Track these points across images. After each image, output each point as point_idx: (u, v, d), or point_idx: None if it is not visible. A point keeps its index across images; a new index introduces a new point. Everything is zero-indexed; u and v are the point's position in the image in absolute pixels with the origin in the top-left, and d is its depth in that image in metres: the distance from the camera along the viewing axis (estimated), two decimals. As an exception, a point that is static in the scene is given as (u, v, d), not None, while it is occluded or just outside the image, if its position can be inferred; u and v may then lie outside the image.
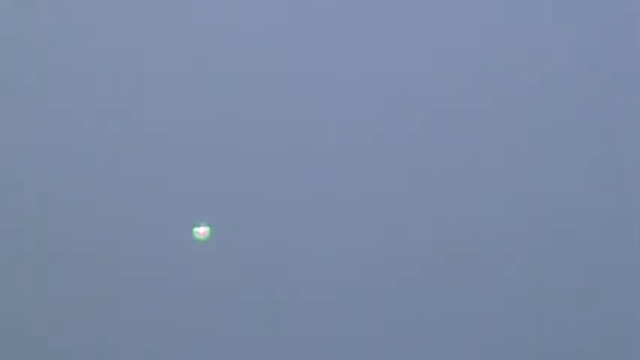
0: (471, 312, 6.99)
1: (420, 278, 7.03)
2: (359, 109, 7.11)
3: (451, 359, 6.98)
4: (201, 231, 6.87)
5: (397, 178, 7.07)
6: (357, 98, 7.12)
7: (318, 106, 7.13)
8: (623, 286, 6.96)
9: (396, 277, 7.04)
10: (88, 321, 7.03)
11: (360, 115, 7.11)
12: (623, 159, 7.04)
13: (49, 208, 7.08)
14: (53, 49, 7.14)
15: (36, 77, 7.15)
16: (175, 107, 7.13)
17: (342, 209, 7.07)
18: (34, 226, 7.08)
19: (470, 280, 7.01)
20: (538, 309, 6.99)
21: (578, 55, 7.09)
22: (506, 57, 7.12)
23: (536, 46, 7.10)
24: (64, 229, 7.07)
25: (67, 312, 7.03)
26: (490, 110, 7.10)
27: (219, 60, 7.13)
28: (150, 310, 7.02)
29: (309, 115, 7.13)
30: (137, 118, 7.13)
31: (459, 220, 7.04)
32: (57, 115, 7.13)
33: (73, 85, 7.15)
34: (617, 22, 7.08)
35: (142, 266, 7.03)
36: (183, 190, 7.04)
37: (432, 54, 7.13)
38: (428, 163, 7.08)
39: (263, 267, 7.04)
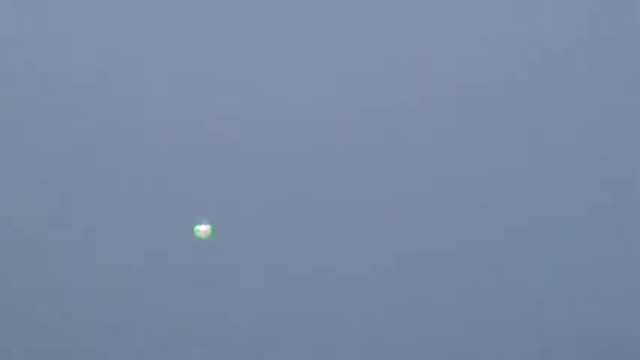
0: (471, 311, 7.01)
1: (419, 278, 7.04)
2: (359, 108, 7.12)
3: (448, 357, 7.00)
4: (203, 229, 6.89)
5: (396, 177, 7.08)
6: (357, 98, 7.13)
7: (320, 105, 7.13)
8: (624, 287, 6.98)
9: (398, 276, 7.05)
10: (89, 320, 7.04)
11: (360, 115, 7.11)
12: (625, 158, 7.05)
13: (50, 206, 7.09)
14: (55, 49, 7.14)
15: (36, 77, 7.15)
16: (176, 107, 7.14)
17: (341, 206, 7.08)
18: (35, 225, 7.09)
19: (470, 280, 7.02)
20: (538, 308, 7.00)
21: (579, 55, 7.09)
22: (507, 57, 7.13)
23: (536, 44, 7.11)
24: (66, 227, 7.08)
25: (69, 310, 7.04)
26: (490, 111, 7.11)
27: (223, 61, 7.14)
28: (150, 308, 7.03)
29: (310, 114, 7.13)
30: (140, 118, 7.14)
31: (460, 220, 7.05)
32: (59, 114, 7.14)
33: (74, 84, 7.16)
34: (618, 22, 7.08)
35: (143, 264, 7.04)
36: (185, 188, 7.05)
37: (432, 52, 7.14)
38: (429, 162, 7.08)
39: (264, 264, 7.05)
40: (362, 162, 7.09)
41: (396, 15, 7.14)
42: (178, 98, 7.15)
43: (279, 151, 7.11)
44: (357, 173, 7.09)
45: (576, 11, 7.11)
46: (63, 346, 7.01)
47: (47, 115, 7.16)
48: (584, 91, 7.09)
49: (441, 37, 7.12)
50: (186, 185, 7.06)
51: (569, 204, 7.03)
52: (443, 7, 7.12)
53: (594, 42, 7.09)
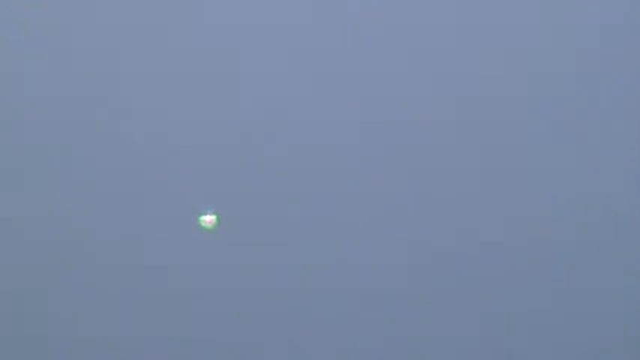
0: (470, 313, 7.02)
1: (416, 277, 7.06)
2: (358, 108, 7.14)
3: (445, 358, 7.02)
4: (208, 219, 6.90)
5: (396, 177, 7.09)
6: (356, 97, 7.15)
7: (320, 103, 7.15)
8: (623, 287, 6.99)
9: (398, 277, 7.06)
10: (95, 314, 7.07)
11: (358, 115, 7.13)
12: (624, 158, 7.06)
13: (53, 203, 7.10)
14: (55, 49, 7.16)
15: (37, 77, 7.17)
16: (179, 104, 7.16)
17: (340, 203, 7.10)
18: (39, 224, 7.11)
19: (467, 281, 7.04)
20: (536, 310, 7.02)
21: (577, 56, 7.10)
22: (505, 57, 7.14)
23: (535, 45, 7.12)
24: (69, 224, 7.10)
25: (71, 308, 7.06)
26: (490, 111, 7.13)
27: (224, 59, 7.16)
28: (154, 301, 7.06)
29: (312, 112, 7.15)
30: (141, 114, 7.16)
31: (458, 219, 7.07)
32: (59, 112, 7.16)
33: (76, 83, 7.18)
34: (617, 22, 7.09)
35: (146, 257, 7.06)
36: (189, 183, 7.07)
37: (431, 53, 7.15)
38: (429, 162, 7.10)
39: (266, 259, 7.07)
40: (366, 163, 7.10)
41: (393, 18, 7.16)
42: (180, 96, 7.17)
43: (282, 147, 7.12)
44: (362, 173, 7.11)
45: (576, 13, 7.12)
46: (63, 345, 7.04)
47: (48, 113, 7.19)
48: (592, 94, 7.10)
49: (441, 39, 7.14)
50: (185, 185, 7.08)
51: (574, 208, 7.05)
52: (445, 8, 7.14)
53: (594, 42, 7.10)
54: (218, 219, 6.91)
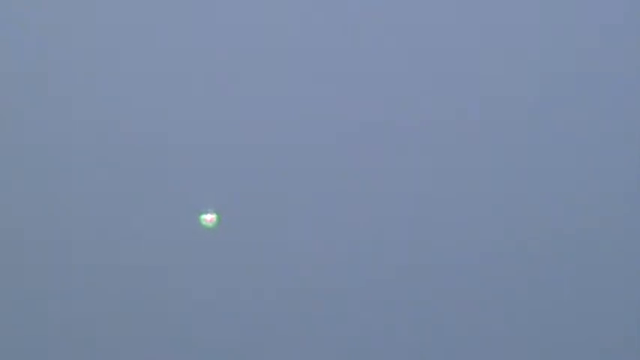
0: (470, 313, 7.02)
1: (416, 277, 7.06)
2: (358, 108, 7.13)
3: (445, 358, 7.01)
4: (208, 218, 6.90)
5: (397, 177, 7.09)
6: (356, 97, 7.14)
7: (321, 103, 7.14)
8: (623, 287, 6.99)
9: (398, 278, 7.05)
10: (94, 314, 7.06)
11: (359, 115, 7.12)
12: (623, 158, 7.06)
13: (53, 203, 7.10)
14: (54, 48, 7.16)
15: (37, 77, 7.17)
16: (179, 104, 7.16)
17: (340, 203, 7.09)
18: (38, 222, 7.10)
19: (467, 280, 7.03)
20: (536, 311, 7.01)
21: (578, 56, 7.10)
22: (505, 56, 7.14)
23: (535, 46, 7.12)
24: (68, 224, 7.09)
25: (71, 308, 7.06)
26: (489, 111, 7.12)
27: (222, 57, 7.16)
28: (153, 301, 7.05)
29: (312, 112, 7.14)
30: (141, 114, 7.15)
31: (458, 219, 7.06)
32: (58, 112, 7.15)
33: (75, 83, 7.17)
34: (617, 22, 7.09)
35: (146, 257, 7.05)
36: (189, 183, 7.07)
37: (430, 53, 7.15)
38: (429, 161, 7.10)
39: (266, 259, 7.06)
40: (366, 162, 7.10)
41: (393, 17, 7.15)
42: (180, 95, 7.16)
43: (282, 150, 7.12)
44: (362, 173, 7.10)
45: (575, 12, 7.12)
46: (61, 345, 7.03)
47: (48, 113, 7.18)
48: (583, 91, 7.10)
49: (441, 39, 7.13)
50: (185, 185, 7.07)
51: (574, 208, 7.05)
52: (444, 8, 7.14)
53: (593, 42, 7.11)
54: (218, 218, 6.90)
